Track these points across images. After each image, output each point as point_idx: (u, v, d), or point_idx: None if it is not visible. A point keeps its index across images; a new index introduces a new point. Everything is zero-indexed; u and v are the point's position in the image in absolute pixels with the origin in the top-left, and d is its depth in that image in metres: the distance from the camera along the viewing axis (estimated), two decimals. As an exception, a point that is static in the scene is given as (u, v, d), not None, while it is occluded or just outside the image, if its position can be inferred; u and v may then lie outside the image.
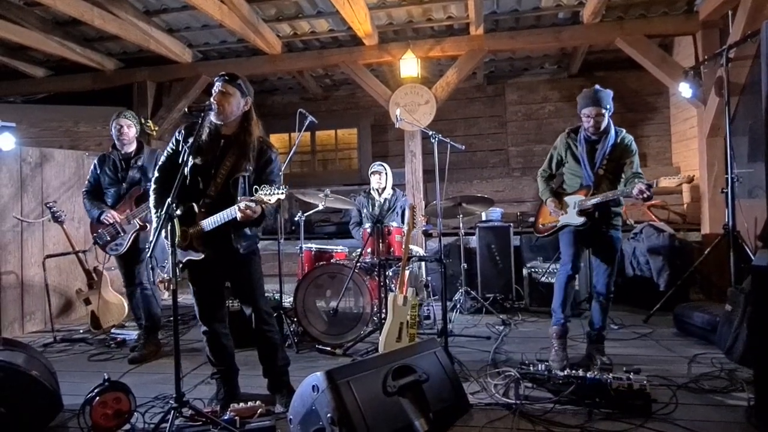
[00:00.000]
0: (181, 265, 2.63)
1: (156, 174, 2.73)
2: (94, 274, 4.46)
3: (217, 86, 2.61)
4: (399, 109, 5.09)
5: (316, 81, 7.37)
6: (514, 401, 2.67)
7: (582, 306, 4.73)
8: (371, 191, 4.85)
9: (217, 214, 2.51)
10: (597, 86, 3.17)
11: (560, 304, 3.30)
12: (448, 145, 3.69)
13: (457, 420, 2.40)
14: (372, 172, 4.81)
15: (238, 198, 2.51)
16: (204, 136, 2.60)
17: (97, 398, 2.44)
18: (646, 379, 2.57)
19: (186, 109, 4.80)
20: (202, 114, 2.53)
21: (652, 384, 2.67)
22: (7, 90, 6.61)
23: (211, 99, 2.57)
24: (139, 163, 3.78)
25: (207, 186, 2.60)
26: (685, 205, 6.01)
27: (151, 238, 2.40)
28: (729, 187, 3.95)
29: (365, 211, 4.80)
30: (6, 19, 4.95)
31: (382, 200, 4.77)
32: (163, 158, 2.75)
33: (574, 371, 2.69)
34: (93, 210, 3.77)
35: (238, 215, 2.42)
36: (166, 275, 3.81)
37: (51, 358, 3.19)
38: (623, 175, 3.24)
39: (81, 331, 4.54)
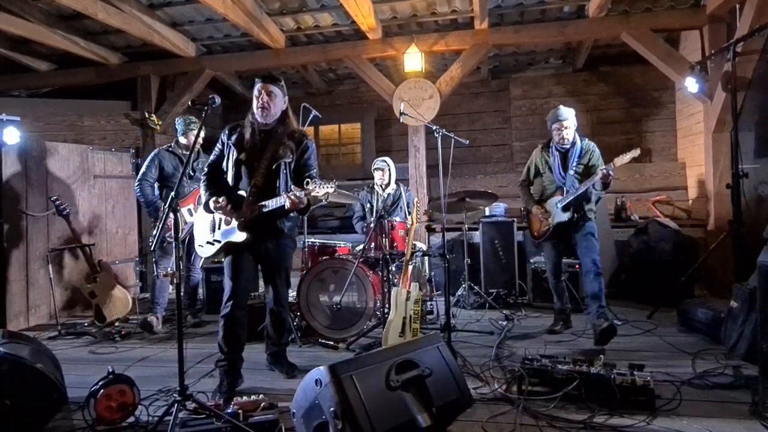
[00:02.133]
0: (219, 246, 2.95)
1: (206, 170, 3.05)
2: (98, 268, 4.48)
3: (261, 87, 2.89)
4: (403, 103, 5.08)
5: (320, 75, 7.36)
6: (516, 396, 2.68)
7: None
8: (375, 186, 4.84)
9: (273, 200, 2.80)
10: (560, 105, 3.78)
11: (557, 298, 4.02)
12: (452, 140, 3.67)
13: (459, 415, 2.40)
14: (375, 169, 4.80)
15: (281, 187, 2.87)
16: (247, 135, 2.92)
17: (102, 391, 2.46)
18: (649, 374, 2.57)
19: (190, 103, 4.82)
20: (207, 107, 2.56)
21: (656, 380, 2.67)
22: (12, 84, 6.62)
23: (258, 101, 2.87)
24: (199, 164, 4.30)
25: (252, 177, 2.89)
26: (691, 201, 5.98)
27: (154, 232, 2.42)
28: (735, 183, 3.92)
29: (369, 206, 4.80)
30: (10, 12, 4.95)
31: (386, 195, 4.76)
32: (212, 157, 3.07)
33: (577, 367, 2.68)
34: (155, 203, 4.19)
35: (287, 203, 2.70)
36: (170, 269, 3.85)
37: (56, 351, 3.20)
38: None
39: (85, 324, 4.56)
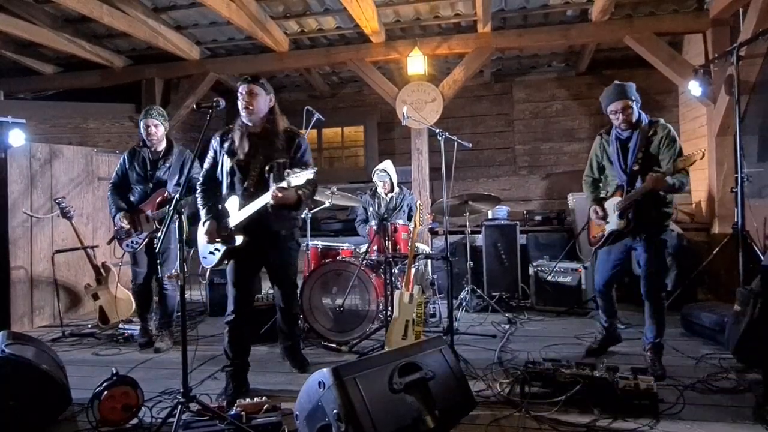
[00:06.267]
0: (220, 254, 2.91)
1: (200, 180, 3.02)
2: (102, 270, 4.50)
3: (243, 89, 2.85)
4: (406, 106, 5.08)
5: (323, 78, 7.37)
6: (519, 400, 2.67)
7: (588, 306, 4.72)
8: (377, 190, 4.85)
9: (247, 206, 2.77)
10: (617, 81, 3.10)
11: (603, 310, 3.41)
12: (455, 143, 3.68)
13: (462, 418, 2.40)
14: (376, 181, 4.81)
15: (270, 184, 2.73)
16: (237, 139, 2.89)
17: (106, 392, 2.47)
18: (653, 378, 2.56)
19: (194, 106, 4.84)
20: (211, 109, 2.58)
21: (659, 384, 2.67)
22: (17, 86, 6.67)
23: (240, 102, 2.85)
24: (168, 164, 3.84)
25: (245, 181, 2.87)
26: (694, 205, 5.96)
27: (160, 234, 2.43)
28: (738, 187, 3.91)
29: (371, 209, 4.80)
30: (16, 15, 4.99)
31: (389, 198, 4.77)
32: (206, 166, 3.03)
33: (580, 370, 2.68)
34: (113, 208, 3.89)
35: (271, 200, 2.66)
36: (174, 271, 3.86)
37: (59, 353, 3.22)
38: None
39: (89, 326, 4.57)
